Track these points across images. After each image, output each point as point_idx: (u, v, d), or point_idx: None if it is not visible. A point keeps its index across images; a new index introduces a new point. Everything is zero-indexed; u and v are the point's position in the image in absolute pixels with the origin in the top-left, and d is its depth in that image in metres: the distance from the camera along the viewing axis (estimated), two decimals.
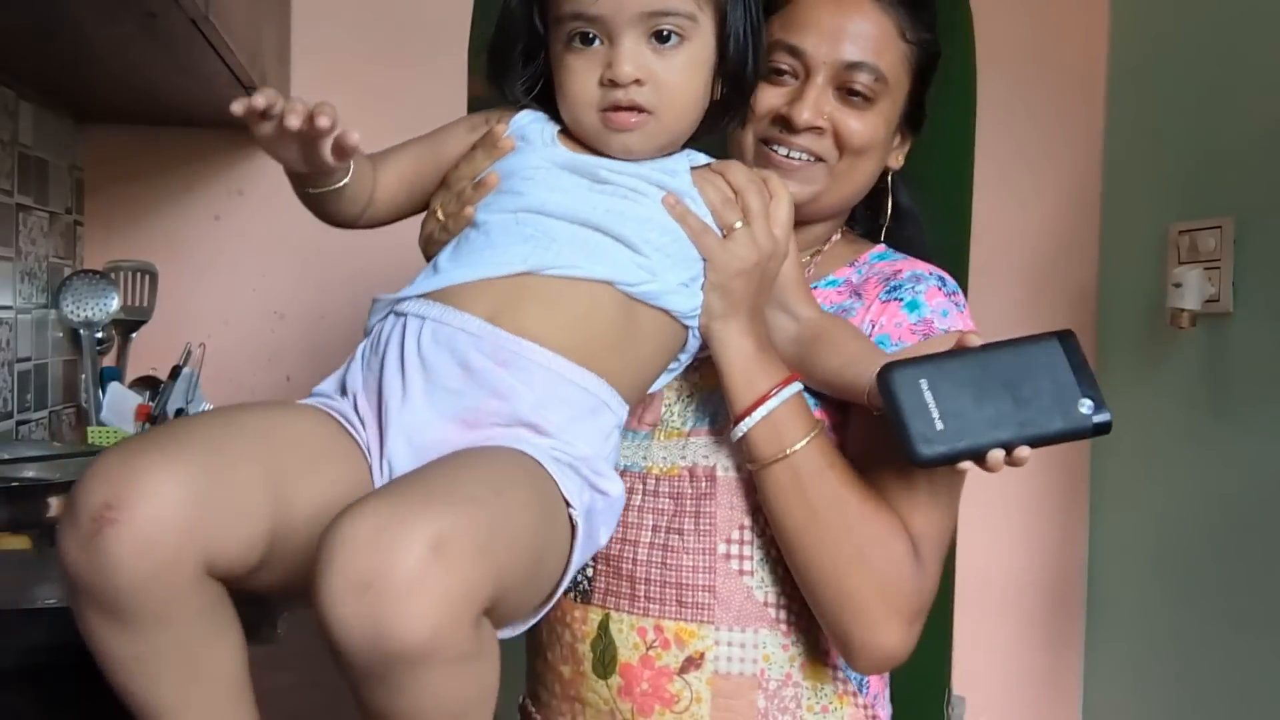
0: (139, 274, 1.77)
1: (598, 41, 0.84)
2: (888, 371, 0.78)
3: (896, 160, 1.06)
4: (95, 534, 0.62)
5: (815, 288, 1.01)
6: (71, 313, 1.65)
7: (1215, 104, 1.89)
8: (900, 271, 1.00)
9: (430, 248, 0.95)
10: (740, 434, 0.89)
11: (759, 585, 0.94)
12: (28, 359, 1.58)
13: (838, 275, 1.04)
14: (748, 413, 0.88)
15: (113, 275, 1.72)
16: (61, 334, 1.72)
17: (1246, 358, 1.80)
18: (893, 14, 0.98)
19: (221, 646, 0.69)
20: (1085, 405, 0.78)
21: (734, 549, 0.93)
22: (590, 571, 0.97)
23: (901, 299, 0.97)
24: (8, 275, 1.51)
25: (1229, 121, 1.86)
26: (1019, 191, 2.18)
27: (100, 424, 1.63)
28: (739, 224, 0.87)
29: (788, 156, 0.98)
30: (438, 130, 0.94)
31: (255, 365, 1.86)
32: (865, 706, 0.98)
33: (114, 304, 1.68)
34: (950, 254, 2.26)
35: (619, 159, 0.86)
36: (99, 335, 1.69)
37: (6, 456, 1.05)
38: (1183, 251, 1.92)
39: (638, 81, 0.83)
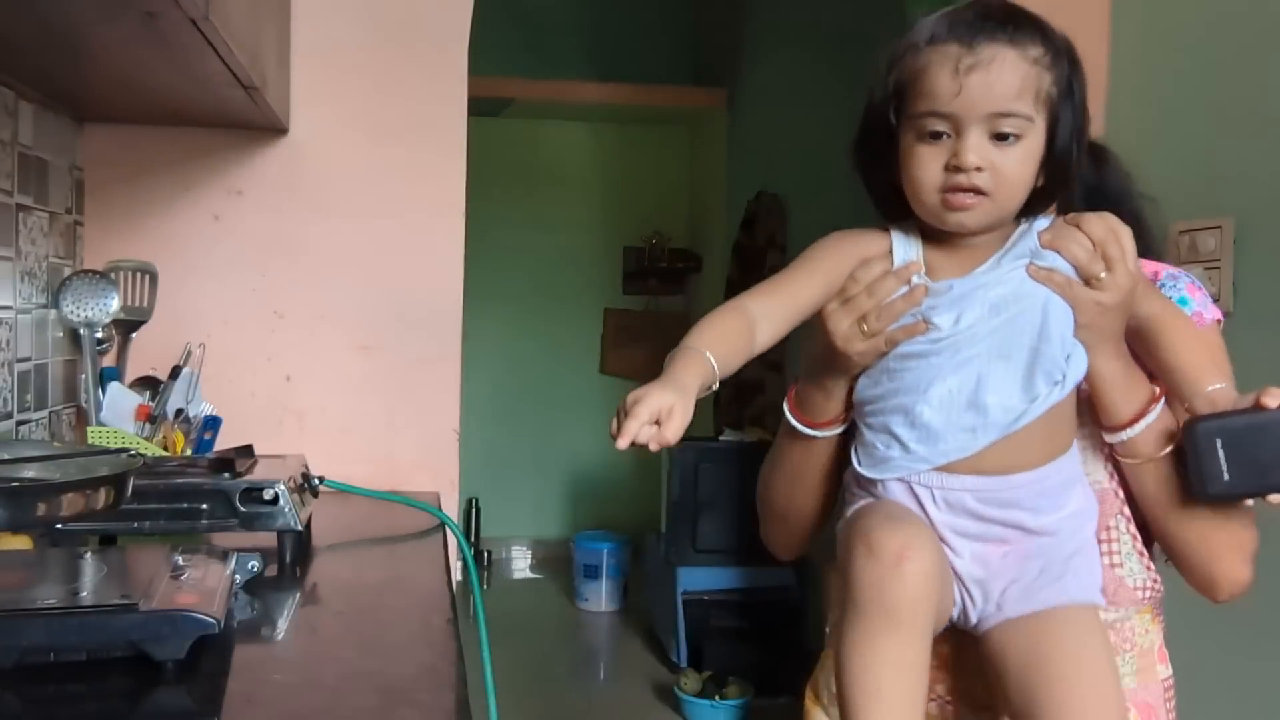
0: (139, 274, 1.77)
1: (945, 136, 0.98)
2: (1192, 426, 1.00)
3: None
4: (897, 564, 0.95)
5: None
6: (71, 313, 1.65)
7: (1215, 103, 1.89)
8: (1157, 274, 1.17)
9: (847, 345, 1.08)
10: (1125, 438, 1.07)
11: (1129, 574, 1.14)
12: (28, 359, 1.58)
13: None
14: (1132, 422, 1.06)
15: (113, 275, 1.72)
16: (61, 334, 1.72)
17: (1247, 358, 1.80)
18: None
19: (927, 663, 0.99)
20: None
21: (1102, 548, 1.12)
22: None
23: (1171, 296, 1.13)
24: (8, 275, 1.51)
25: (1229, 121, 1.86)
26: None
27: (100, 424, 1.63)
28: (1104, 274, 1.01)
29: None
30: (814, 262, 1.09)
31: (255, 365, 1.86)
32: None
33: (114, 304, 1.67)
34: None
35: (953, 231, 1.02)
36: (99, 335, 1.69)
37: (6, 456, 1.05)
38: (1183, 251, 1.92)
39: (978, 169, 0.98)
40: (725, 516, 3.70)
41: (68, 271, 1.73)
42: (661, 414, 0.92)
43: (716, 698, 3.28)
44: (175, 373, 1.70)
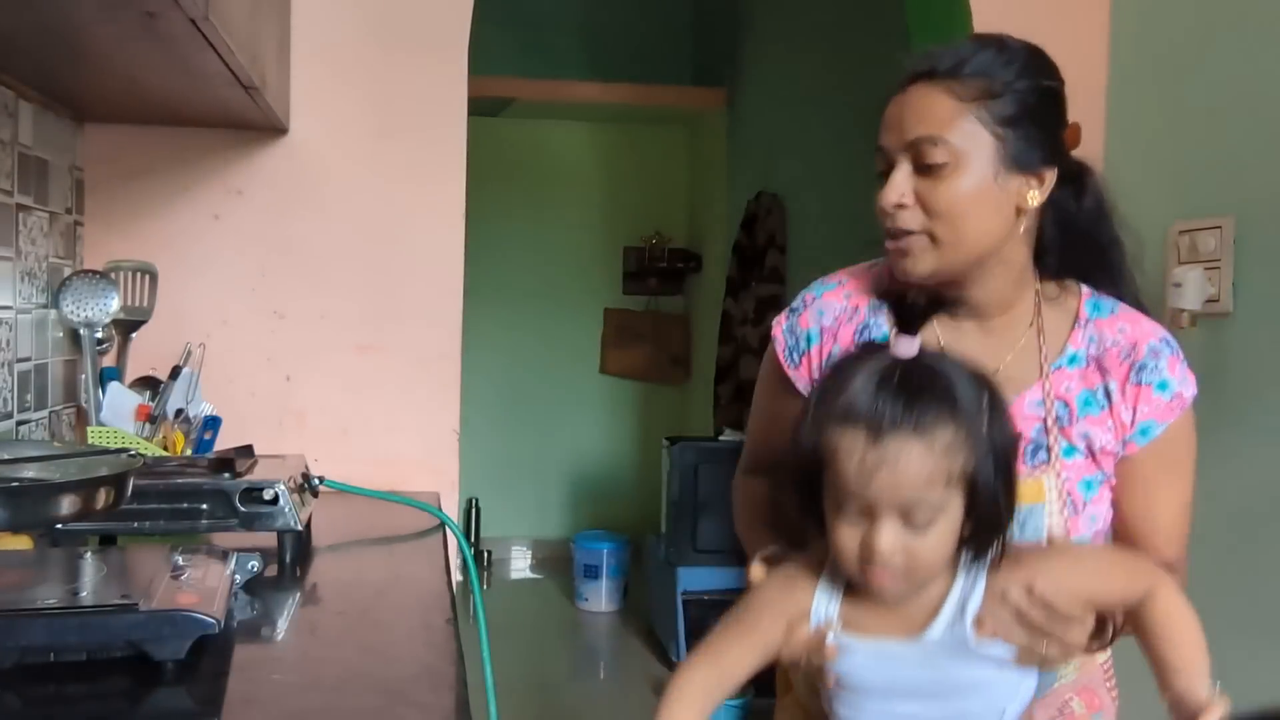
0: (139, 274, 1.77)
1: (861, 517, 0.96)
2: None
3: (1031, 200, 1.11)
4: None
5: (1059, 368, 1.16)
6: (71, 313, 1.65)
7: (1215, 103, 1.89)
8: (1136, 346, 1.15)
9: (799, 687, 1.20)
10: None
11: None
12: (28, 359, 1.58)
13: (1073, 347, 1.17)
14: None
15: (113, 275, 1.72)
16: (61, 334, 1.72)
17: (1246, 358, 1.80)
18: (944, 86, 1.11)
19: None
20: None
21: None
22: None
23: (1151, 382, 1.14)
24: (8, 275, 1.51)
25: (1229, 121, 1.86)
26: None
27: (100, 424, 1.63)
28: (1051, 648, 1.00)
29: (895, 241, 1.13)
30: (748, 628, 1.07)
31: (255, 365, 1.86)
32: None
33: (114, 304, 1.67)
34: None
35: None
36: (99, 335, 1.69)
37: (6, 456, 1.05)
38: (1183, 251, 1.92)
39: (892, 554, 0.95)
40: (725, 516, 3.68)
41: (68, 271, 1.73)
42: None
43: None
44: (175, 373, 1.70)
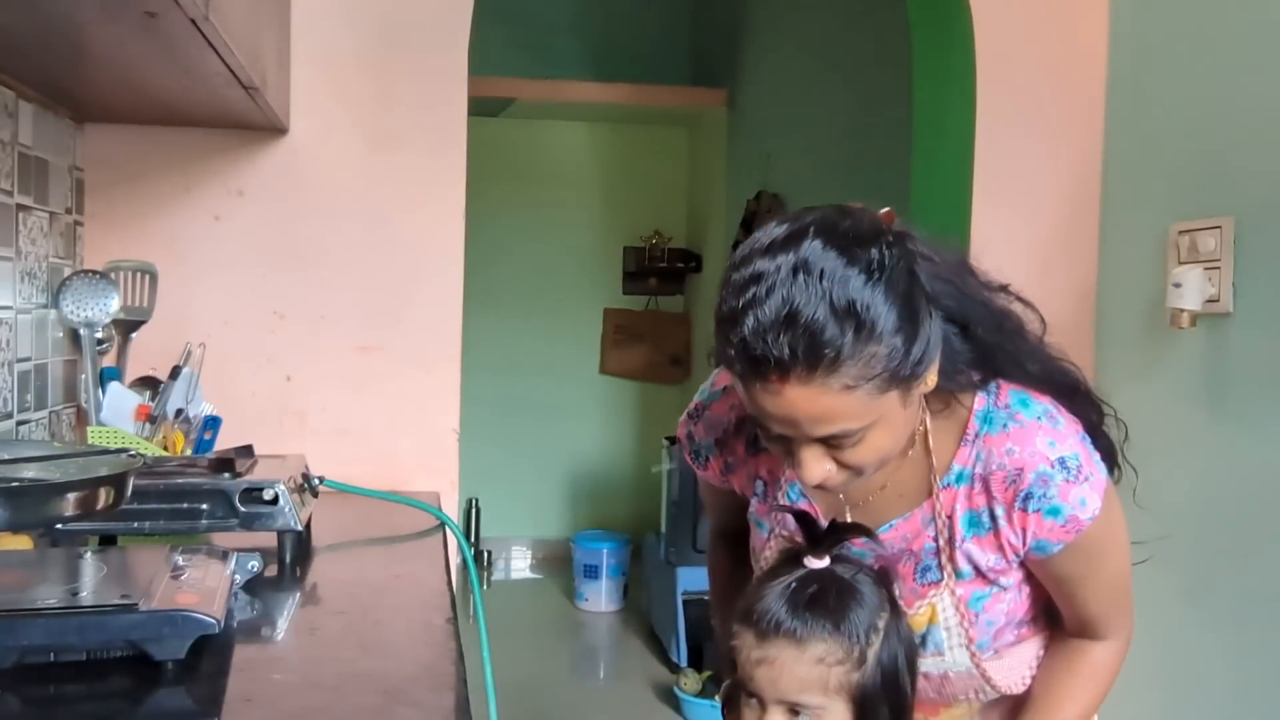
0: (139, 274, 1.77)
1: (757, 703, 1.04)
2: None
3: (929, 385, 1.01)
4: None
5: (947, 485, 1.09)
6: (71, 313, 1.65)
7: (1214, 103, 1.89)
8: (1022, 473, 1.05)
9: None
10: None
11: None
12: (28, 359, 1.58)
13: (959, 464, 1.09)
14: None
15: (113, 275, 1.72)
16: (61, 334, 1.72)
17: (1247, 358, 1.80)
18: (819, 385, 0.95)
19: None
20: None
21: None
22: None
23: (1041, 509, 1.05)
24: (8, 275, 1.51)
25: (1229, 121, 1.86)
26: (1019, 192, 2.18)
27: (100, 424, 1.63)
28: None
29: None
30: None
31: (255, 365, 1.87)
32: None
33: (114, 304, 1.67)
34: None
35: None
36: (99, 335, 1.69)
37: (6, 456, 1.05)
38: (1183, 252, 1.92)
39: None
40: None
41: (68, 271, 1.73)
42: None
43: (716, 698, 3.28)
44: (175, 373, 1.70)
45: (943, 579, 1.10)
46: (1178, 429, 1.95)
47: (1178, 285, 1.88)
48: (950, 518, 1.09)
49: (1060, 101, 2.14)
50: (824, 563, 1.06)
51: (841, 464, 0.99)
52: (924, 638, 1.12)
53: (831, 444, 0.97)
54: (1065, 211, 2.20)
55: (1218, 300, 1.84)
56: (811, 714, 1.02)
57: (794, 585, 1.05)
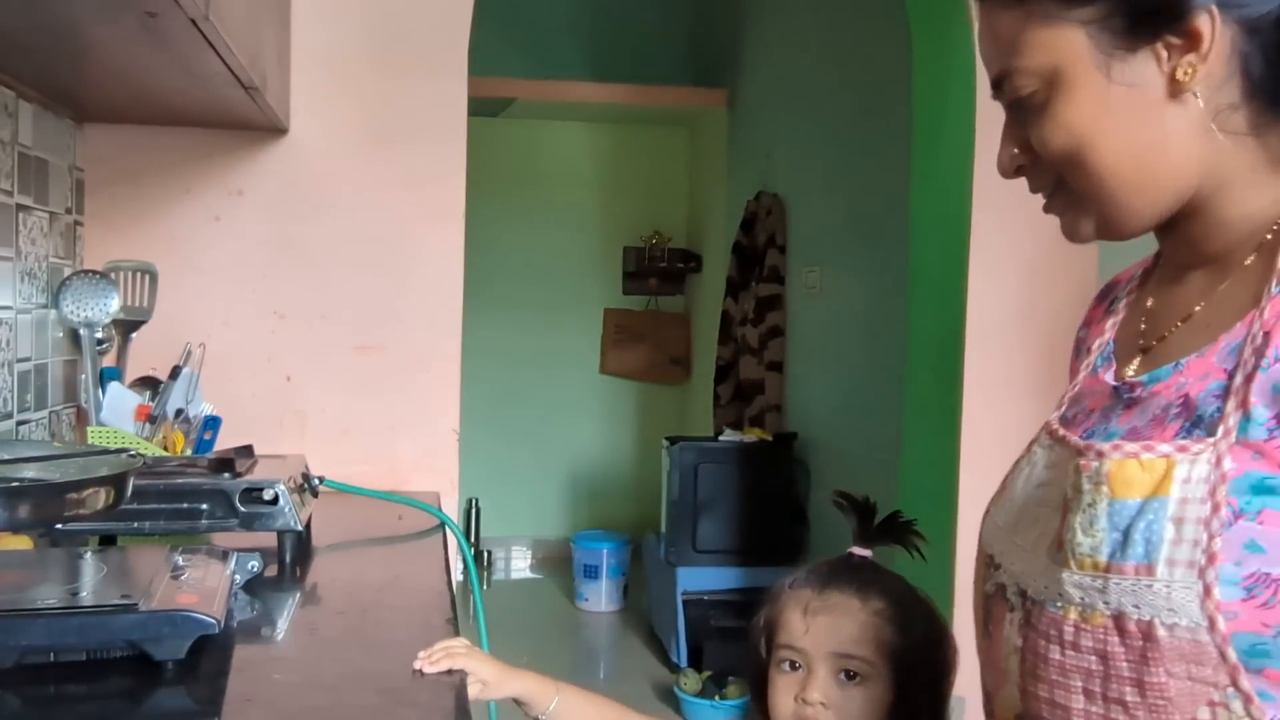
0: (139, 274, 1.77)
1: (799, 668, 1.05)
2: None
3: (1188, 70, 0.72)
4: None
5: None
6: (71, 313, 1.65)
7: None
8: None
9: None
10: None
11: None
12: (28, 359, 1.58)
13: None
14: None
15: (113, 275, 1.71)
16: (61, 334, 1.72)
17: None
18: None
19: None
20: None
21: None
22: None
23: None
24: (8, 275, 1.51)
25: None
26: (1018, 192, 2.17)
27: (100, 424, 1.63)
28: None
29: (1045, 208, 0.89)
30: None
31: (255, 365, 1.87)
32: None
33: (114, 304, 1.67)
34: (949, 256, 2.27)
35: None
36: (99, 335, 1.69)
37: (6, 456, 1.05)
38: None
39: (823, 704, 1.03)
40: (725, 516, 3.70)
41: (68, 271, 1.73)
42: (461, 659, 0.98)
43: (716, 697, 3.28)
44: (175, 373, 1.70)
45: (1218, 433, 0.69)
46: None
47: None
48: (1269, 334, 0.70)
49: None
50: (868, 553, 1.10)
51: (1038, 149, 0.80)
52: (1128, 527, 0.70)
53: (1015, 109, 0.81)
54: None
55: None
56: (860, 676, 1.02)
57: (845, 563, 1.09)
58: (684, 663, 3.58)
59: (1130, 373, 0.82)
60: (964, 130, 2.19)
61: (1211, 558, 0.67)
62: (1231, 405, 0.70)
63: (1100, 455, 0.74)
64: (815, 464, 3.78)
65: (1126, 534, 0.70)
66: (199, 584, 0.98)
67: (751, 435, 3.86)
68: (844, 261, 3.59)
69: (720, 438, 3.88)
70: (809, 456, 3.82)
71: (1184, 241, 0.80)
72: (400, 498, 1.69)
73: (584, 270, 5.48)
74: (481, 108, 4.69)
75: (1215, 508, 0.68)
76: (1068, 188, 0.82)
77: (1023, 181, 0.88)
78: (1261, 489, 0.67)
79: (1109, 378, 0.84)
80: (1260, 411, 0.69)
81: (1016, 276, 2.20)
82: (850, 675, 1.03)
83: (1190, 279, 0.81)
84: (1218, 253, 0.78)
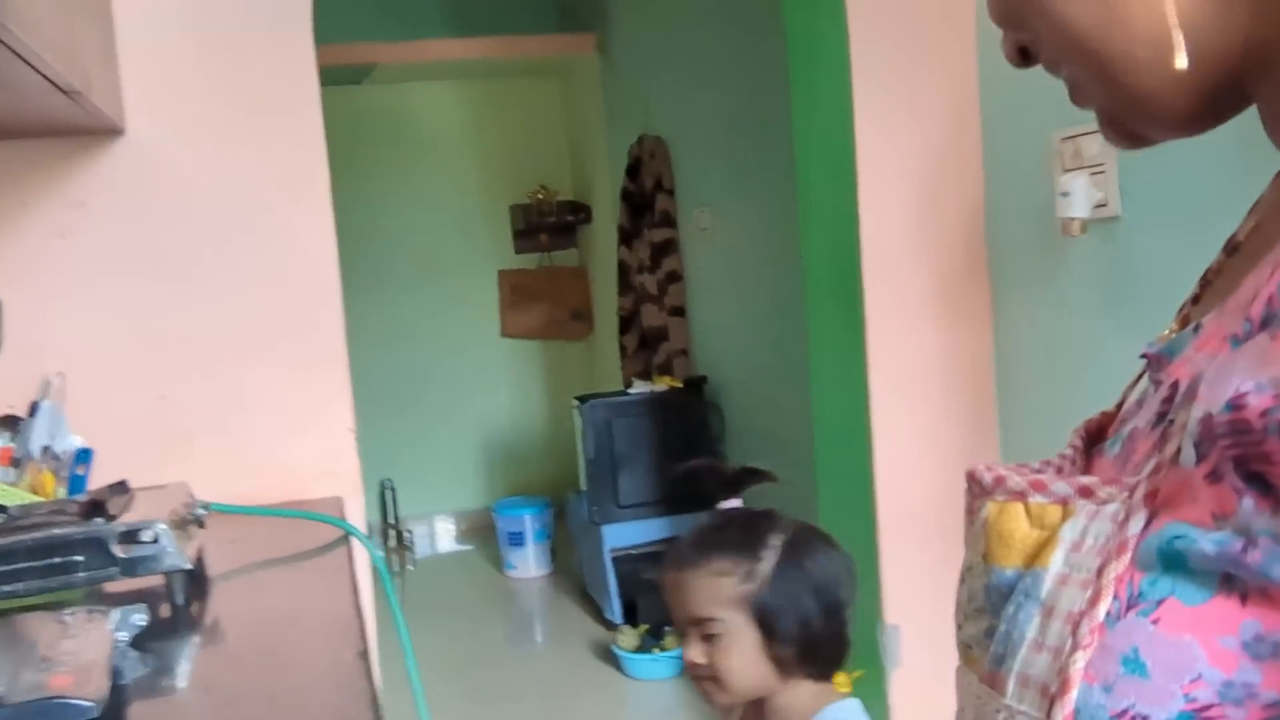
0: None
1: (680, 634, 1.24)
2: None
3: None
4: None
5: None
6: None
7: None
8: None
9: None
10: None
11: None
12: None
13: None
14: None
15: None
16: None
17: (1139, 258, 1.81)
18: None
19: None
20: None
21: None
22: None
23: None
24: None
25: None
26: (900, 112, 2.14)
27: None
28: None
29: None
30: None
31: (124, 388, 1.73)
32: None
33: None
34: (838, 185, 2.23)
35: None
36: None
37: None
38: (1067, 158, 1.91)
39: (702, 663, 1.20)
40: (644, 469, 3.67)
41: None
42: None
43: (655, 650, 3.27)
44: (35, 408, 1.57)
45: (1147, 465, 0.47)
46: (1076, 336, 1.96)
47: (1065, 194, 1.87)
48: (1271, 299, 0.44)
49: (932, 14, 2.11)
50: (736, 502, 1.25)
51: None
52: (1010, 586, 0.50)
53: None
54: (948, 128, 2.17)
55: (1106, 205, 1.84)
56: (721, 631, 1.17)
57: (704, 524, 1.25)
58: (620, 619, 3.56)
59: (1165, 335, 0.55)
60: (839, 54, 2.14)
61: (1065, 684, 0.45)
62: (1183, 416, 0.46)
63: (985, 491, 0.53)
64: (728, 404, 3.77)
65: (999, 620, 0.50)
66: (75, 658, 0.89)
67: (661, 384, 3.82)
68: (733, 199, 3.55)
69: (630, 390, 3.83)
70: (721, 398, 3.80)
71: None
72: (295, 512, 1.59)
73: (472, 234, 5.33)
74: (341, 76, 4.49)
75: (1095, 596, 0.45)
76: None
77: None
78: (1174, 561, 0.44)
79: (1147, 346, 0.56)
80: (1195, 412, 0.44)
81: (904, 198, 2.18)
82: (709, 636, 1.18)
83: None
84: None
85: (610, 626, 3.61)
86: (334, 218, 1.81)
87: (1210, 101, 0.52)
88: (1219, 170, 1.61)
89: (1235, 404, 0.41)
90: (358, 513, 1.75)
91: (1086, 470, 0.56)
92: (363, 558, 1.58)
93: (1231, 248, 0.59)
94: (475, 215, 5.33)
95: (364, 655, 0.98)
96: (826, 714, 1.20)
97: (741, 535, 1.21)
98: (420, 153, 5.23)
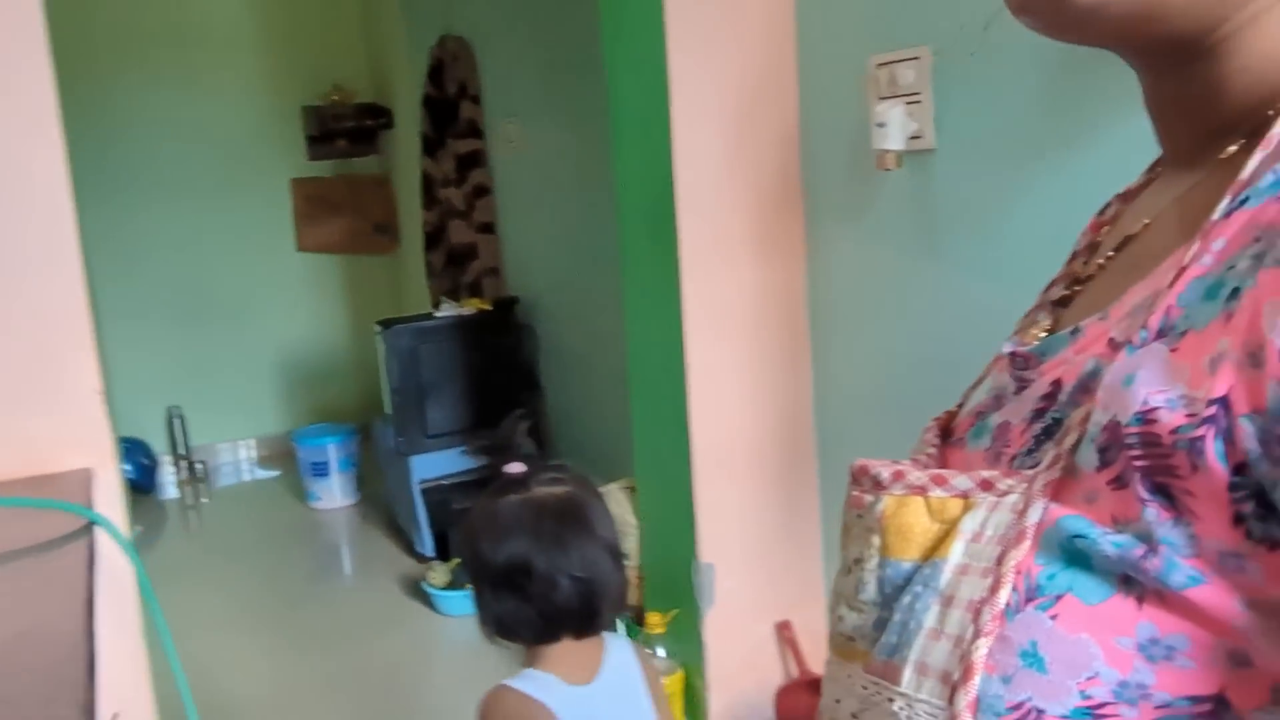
0: None
1: None
2: None
3: None
4: None
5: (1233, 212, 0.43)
6: None
7: None
8: None
9: None
10: None
11: None
12: None
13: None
14: None
15: None
16: None
17: (952, 192, 1.76)
18: None
19: None
20: None
21: None
22: None
23: None
24: None
25: None
26: (713, 38, 2.01)
27: None
28: None
29: None
30: None
31: None
32: None
33: None
34: (650, 110, 2.09)
35: None
36: None
37: None
38: (883, 86, 1.83)
39: (483, 619, 1.38)
40: (454, 397, 3.51)
41: None
42: None
43: (466, 585, 3.16)
44: None
45: (1045, 459, 0.46)
46: (890, 269, 1.91)
47: (881, 125, 1.79)
48: (1178, 277, 0.44)
49: None
50: (520, 468, 1.38)
51: None
52: (907, 578, 0.49)
53: None
54: (763, 53, 2.06)
55: (921, 136, 1.77)
56: (474, 591, 1.37)
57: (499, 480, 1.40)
58: (431, 553, 3.42)
59: (1036, 335, 0.56)
60: None
61: (968, 671, 0.45)
62: (1078, 414, 0.46)
63: (878, 486, 0.53)
64: (541, 326, 3.63)
65: (892, 612, 0.49)
66: None
67: (470, 306, 3.64)
68: (544, 112, 3.35)
69: (437, 313, 3.63)
70: (534, 319, 3.65)
71: (1177, 101, 0.50)
72: (24, 500, 1.35)
73: (259, 139, 4.91)
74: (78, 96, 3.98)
75: (996, 584, 0.45)
76: None
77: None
78: (1073, 556, 0.44)
79: (1008, 345, 0.57)
80: (1098, 416, 0.44)
81: (718, 125, 2.07)
82: (473, 596, 1.37)
83: (1175, 177, 0.53)
84: (1214, 128, 0.49)
85: (421, 559, 3.47)
86: (64, 134, 1.52)
87: (1129, 26, 0.47)
88: (1032, 108, 1.56)
89: (1146, 417, 0.42)
90: (112, 487, 1.53)
91: (944, 465, 0.58)
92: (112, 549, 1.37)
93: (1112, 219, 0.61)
94: (262, 118, 4.90)
95: (85, 709, 0.81)
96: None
97: (480, 506, 1.38)
98: (195, 54, 4.72)
